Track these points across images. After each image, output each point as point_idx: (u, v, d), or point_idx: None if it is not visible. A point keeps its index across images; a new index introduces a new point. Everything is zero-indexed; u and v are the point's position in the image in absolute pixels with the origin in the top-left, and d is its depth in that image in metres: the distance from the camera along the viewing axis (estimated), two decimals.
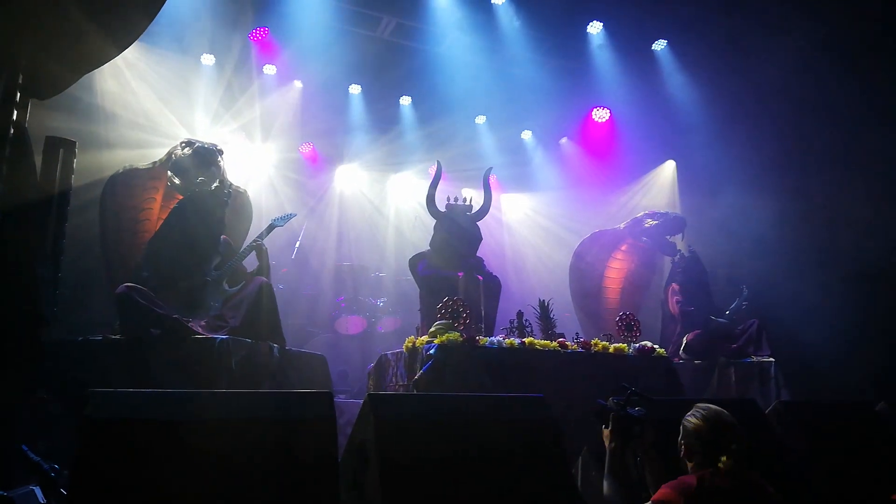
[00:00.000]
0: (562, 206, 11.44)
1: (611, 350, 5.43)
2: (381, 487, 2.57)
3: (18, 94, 3.23)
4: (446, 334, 4.83)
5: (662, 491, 2.38)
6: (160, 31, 7.53)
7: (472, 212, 6.67)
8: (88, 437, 2.29)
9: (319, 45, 8.63)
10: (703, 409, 2.56)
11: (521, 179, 11.86)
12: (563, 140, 11.35)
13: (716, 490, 2.33)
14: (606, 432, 2.71)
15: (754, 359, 7.04)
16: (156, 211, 6.22)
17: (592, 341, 5.48)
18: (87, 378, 4.30)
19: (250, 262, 5.96)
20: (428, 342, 4.83)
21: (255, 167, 9.88)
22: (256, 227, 6.58)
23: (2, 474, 3.04)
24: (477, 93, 9.77)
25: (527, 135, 11.49)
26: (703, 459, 2.45)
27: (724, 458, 2.37)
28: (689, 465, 2.52)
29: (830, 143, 7.88)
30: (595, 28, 9.15)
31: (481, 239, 6.70)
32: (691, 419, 2.56)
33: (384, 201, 11.63)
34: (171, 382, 4.48)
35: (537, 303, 5.90)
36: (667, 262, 8.61)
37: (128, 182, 6.11)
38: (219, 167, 5.97)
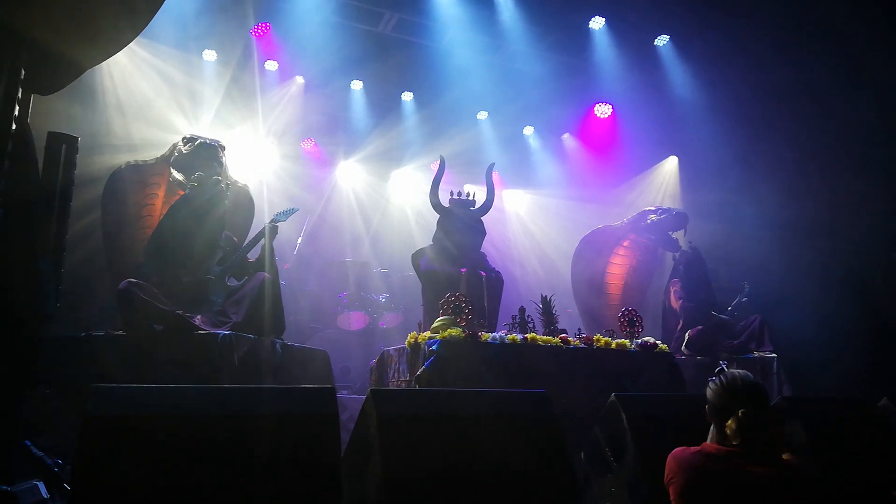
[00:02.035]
0: (564, 202, 11.44)
1: (613, 346, 5.42)
2: (384, 483, 2.58)
3: (20, 90, 3.22)
4: (448, 330, 4.83)
5: (668, 464, 2.38)
6: (162, 26, 7.52)
7: (475, 207, 6.67)
8: (90, 432, 2.30)
9: (321, 41, 8.63)
10: (725, 375, 2.52)
11: (524, 175, 11.85)
12: (566, 136, 11.33)
13: (720, 458, 2.31)
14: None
15: (756, 354, 7.05)
16: (158, 206, 6.23)
17: (595, 337, 5.47)
18: (90, 373, 4.32)
19: (257, 249, 5.98)
20: (430, 338, 4.82)
21: (257, 163, 9.87)
22: (258, 222, 6.59)
23: (5, 469, 3.05)
24: (479, 88, 9.76)
25: (529, 130, 11.48)
26: (717, 422, 2.44)
27: (729, 423, 2.36)
28: (711, 426, 2.51)
29: (832, 141, 7.85)
30: (597, 23, 9.13)
31: (484, 234, 6.70)
32: (710, 384, 2.54)
33: (386, 197, 11.63)
34: (173, 378, 4.47)
35: (539, 299, 5.89)
36: (669, 259, 8.61)
37: (130, 177, 6.11)
38: (221, 163, 5.98)
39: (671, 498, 2.35)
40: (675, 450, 2.40)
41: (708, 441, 2.47)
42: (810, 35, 7.60)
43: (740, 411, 2.35)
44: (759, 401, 2.39)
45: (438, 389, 4.20)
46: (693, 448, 2.39)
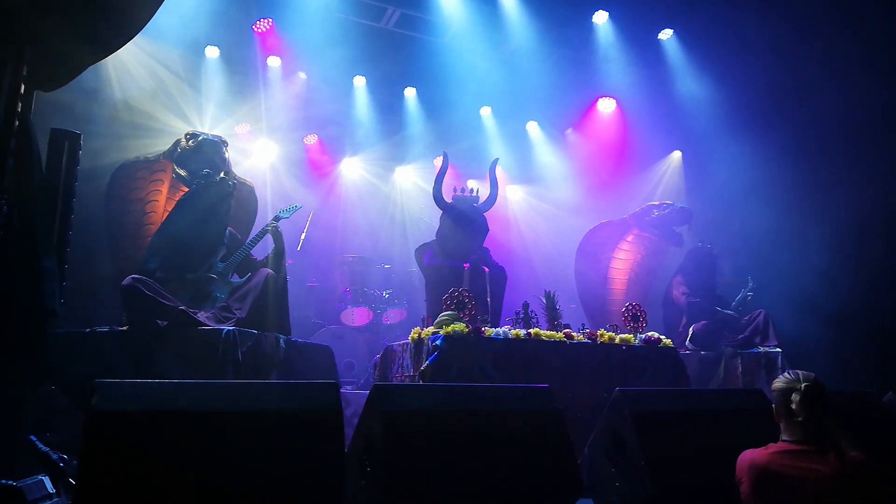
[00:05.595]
0: (567, 197, 11.39)
1: (617, 341, 5.41)
2: (388, 477, 2.58)
3: (23, 87, 3.22)
4: (452, 325, 4.82)
5: (737, 465, 2.50)
6: (164, 22, 7.51)
7: (479, 203, 6.66)
8: (95, 427, 2.30)
9: (323, 37, 8.61)
10: (790, 372, 2.63)
11: (527, 170, 11.81)
12: (569, 131, 11.29)
13: (785, 454, 2.41)
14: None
15: (761, 349, 7.03)
16: (161, 203, 6.24)
17: (598, 332, 5.45)
18: (94, 369, 4.33)
19: (263, 248, 5.98)
20: (434, 333, 4.82)
21: (260, 159, 9.87)
22: (262, 218, 6.60)
23: (10, 465, 3.06)
24: (482, 83, 9.74)
25: (532, 125, 11.44)
26: (783, 413, 2.55)
27: (793, 397, 2.48)
28: (781, 425, 2.60)
29: (837, 134, 7.82)
30: (601, 17, 9.09)
31: (487, 230, 6.69)
32: (775, 382, 2.64)
33: (389, 192, 11.62)
34: (177, 374, 4.49)
35: (543, 293, 5.88)
36: (673, 254, 8.59)
37: (133, 174, 6.14)
38: (224, 159, 5.99)
39: (741, 496, 2.45)
40: (743, 451, 2.53)
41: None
42: (815, 28, 7.56)
43: (802, 385, 2.49)
44: (816, 379, 2.55)
45: (442, 384, 4.21)
46: (760, 448, 2.49)
